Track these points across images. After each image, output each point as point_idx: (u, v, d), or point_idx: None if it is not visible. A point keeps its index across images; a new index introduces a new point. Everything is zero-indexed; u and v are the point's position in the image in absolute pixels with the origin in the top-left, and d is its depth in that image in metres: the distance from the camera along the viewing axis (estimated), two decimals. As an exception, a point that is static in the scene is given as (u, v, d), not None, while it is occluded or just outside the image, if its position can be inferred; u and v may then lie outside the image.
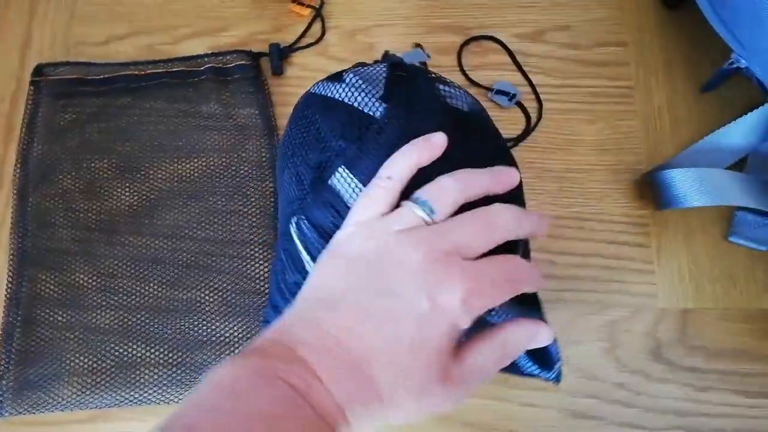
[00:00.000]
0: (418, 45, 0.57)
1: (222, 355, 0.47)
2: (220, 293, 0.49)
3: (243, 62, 0.55)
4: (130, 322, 0.48)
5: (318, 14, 0.58)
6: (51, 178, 0.52)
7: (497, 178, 0.33)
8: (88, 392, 0.46)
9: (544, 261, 0.50)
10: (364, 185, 0.34)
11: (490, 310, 0.32)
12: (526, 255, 0.38)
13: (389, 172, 0.33)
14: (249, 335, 0.48)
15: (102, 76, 0.55)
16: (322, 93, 0.40)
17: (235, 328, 0.48)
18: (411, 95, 0.38)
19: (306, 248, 0.36)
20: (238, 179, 0.52)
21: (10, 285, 0.49)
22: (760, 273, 0.50)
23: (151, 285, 0.49)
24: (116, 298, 0.49)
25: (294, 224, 0.37)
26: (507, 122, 0.54)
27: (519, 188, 0.41)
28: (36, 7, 0.59)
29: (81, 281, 0.49)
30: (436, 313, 0.29)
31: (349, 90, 0.39)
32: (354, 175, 0.35)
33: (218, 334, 0.48)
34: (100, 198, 0.52)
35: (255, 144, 0.53)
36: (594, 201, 0.52)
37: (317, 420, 0.27)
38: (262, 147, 0.53)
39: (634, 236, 0.51)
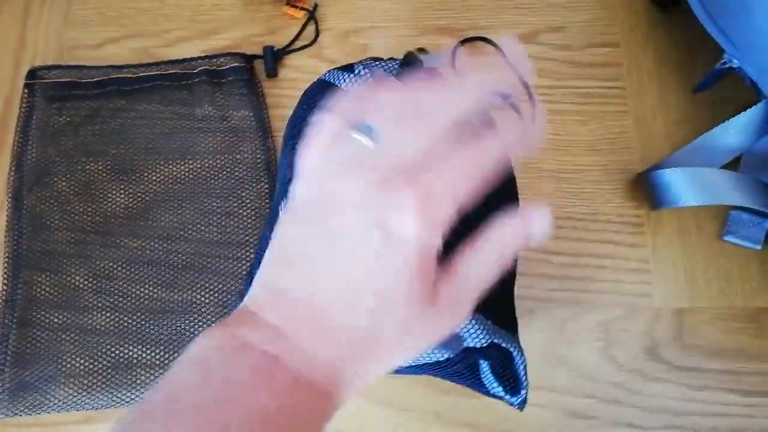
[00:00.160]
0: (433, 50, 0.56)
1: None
2: (216, 294, 0.49)
3: (237, 64, 0.55)
4: (125, 324, 0.48)
5: (312, 16, 0.58)
6: (46, 180, 0.52)
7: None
8: (84, 393, 0.46)
9: (538, 261, 0.50)
10: None
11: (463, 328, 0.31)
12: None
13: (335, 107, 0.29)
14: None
15: (96, 79, 0.55)
16: (331, 81, 0.41)
17: (231, 330, 0.48)
18: None
19: None
20: (232, 181, 0.52)
21: (5, 287, 0.49)
22: (754, 272, 0.50)
23: (147, 286, 0.49)
24: (112, 300, 0.49)
25: (284, 205, 0.38)
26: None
27: (514, 187, 0.41)
28: (30, 11, 0.60)
29: (76, 283, 0.49)
30: (391, 241, 0.26)
31: (357, 81, 0.40)
32: None
33: (213, 336, 0.48)
34: (95, 200, 0.52)
35: (249, 146, 0.53)
36: (588, 201, 0.52)
37: (294, 383, 0.25)
38: (256, 149, 0.53)
39: (628, 236, 0.51)
